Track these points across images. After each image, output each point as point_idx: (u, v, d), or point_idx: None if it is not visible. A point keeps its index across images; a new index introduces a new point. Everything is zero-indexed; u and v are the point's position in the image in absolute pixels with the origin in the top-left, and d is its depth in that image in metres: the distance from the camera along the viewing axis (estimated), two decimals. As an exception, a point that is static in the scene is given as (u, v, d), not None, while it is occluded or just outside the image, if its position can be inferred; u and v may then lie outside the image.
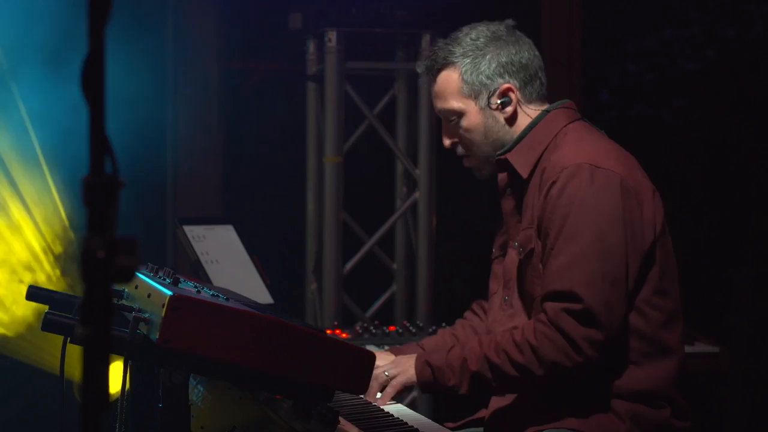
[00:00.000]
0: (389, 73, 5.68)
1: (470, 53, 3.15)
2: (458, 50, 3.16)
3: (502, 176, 3.17)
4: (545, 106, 3.18)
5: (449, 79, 3.18)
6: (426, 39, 5.42)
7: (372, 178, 6.08)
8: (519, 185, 3.12)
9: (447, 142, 3.26)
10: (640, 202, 2.94)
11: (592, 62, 6.21)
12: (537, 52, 3.20)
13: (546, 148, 3.07)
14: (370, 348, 3.48)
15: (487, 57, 3.14)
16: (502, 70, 3.14)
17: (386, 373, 3.14)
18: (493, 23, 3.21)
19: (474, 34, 3.17)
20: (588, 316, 2.83)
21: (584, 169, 2.89)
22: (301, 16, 5.52)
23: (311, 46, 5.60)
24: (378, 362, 3.40)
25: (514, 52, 3.15)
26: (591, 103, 6.19)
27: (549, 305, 2.89)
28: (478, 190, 5.96)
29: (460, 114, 3.17)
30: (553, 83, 3.28)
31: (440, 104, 3.22)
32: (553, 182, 2.93)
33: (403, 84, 5.62)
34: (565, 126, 3.10)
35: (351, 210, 5.54)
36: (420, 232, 5.56)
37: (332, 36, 5.33)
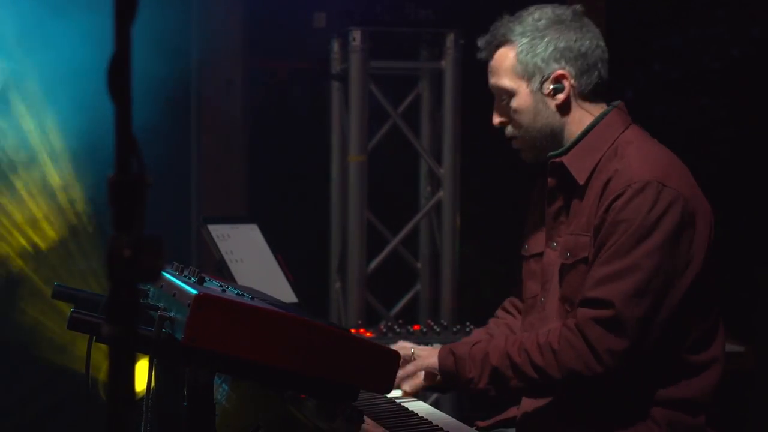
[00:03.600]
0: (413, 72, 5.68)
1: (529, 33, 3.06)
2: (518, 29, 3.07)
3: (552, 180, 3.10)
4: (601, 104, 3.12)
5: (505, 56, 3.09)
6: (450, 38, 5.43)
7: (396, 177, 6.07)
8: (570, 188, 3.05)
9: (496, 120, 3.17)
10: (697, 223, 2.89)
11: (616, 61, 6.20)
12: (602, 43, 3.11)
13: (604, 155, 3.00)
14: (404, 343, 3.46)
15: (545, 40, 3.04)
16: (558, 56, 3.04)
17: (412, 350, 3.19)
18: (560, 6, 3.12)
19: (537, 15, 3.09)
20: (616, 325, 2.80)
21: (652, 187, 2.83)
22: (325, 15, 5.53)
23: (335, 46, 5.61)
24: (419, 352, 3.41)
25: (574, 38, 3.05)
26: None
27: (580, 311, 2.86)
28: (503, 188, 5.96)
29: (510, 93, 3.09)
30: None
31: (493, 80, 3.14)
32: (619, 195, 2.86)
33: (427, 83, 5.62)
34: (622, 132, 3.04)
35: (375, 209, 5.54)
36: (444, 231, 5.56)
37: (356, 35, 5.33)
